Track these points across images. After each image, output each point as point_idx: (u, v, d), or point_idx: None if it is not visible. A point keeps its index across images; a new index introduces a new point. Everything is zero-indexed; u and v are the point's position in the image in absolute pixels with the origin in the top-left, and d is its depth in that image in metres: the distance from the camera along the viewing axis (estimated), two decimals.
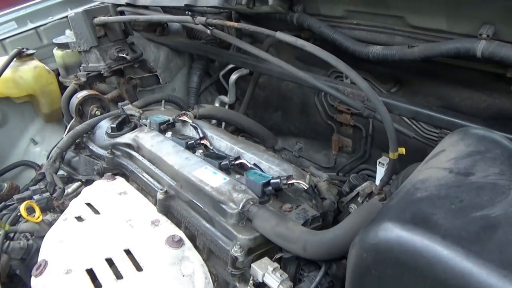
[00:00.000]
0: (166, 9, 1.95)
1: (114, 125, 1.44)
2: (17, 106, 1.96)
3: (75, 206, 1.23)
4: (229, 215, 1.01)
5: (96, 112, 1.69)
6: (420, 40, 1.25)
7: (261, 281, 0.94)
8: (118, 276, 0.97)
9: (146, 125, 1.45)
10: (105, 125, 1.51)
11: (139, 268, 0.99)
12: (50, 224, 1.22)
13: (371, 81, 1.54)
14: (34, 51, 1.95)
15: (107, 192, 1.26)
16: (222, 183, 1.08)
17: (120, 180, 1.33)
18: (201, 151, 1.32)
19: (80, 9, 1.87)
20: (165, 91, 2.16)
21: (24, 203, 1.21)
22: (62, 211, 1.25)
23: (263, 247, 0.99)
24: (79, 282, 0.97)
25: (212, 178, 1.11)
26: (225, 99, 2.18)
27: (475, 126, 1.07)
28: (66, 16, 1.98)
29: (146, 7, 1.83)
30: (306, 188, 1.11)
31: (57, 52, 1.98)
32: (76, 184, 1.45)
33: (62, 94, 1.85)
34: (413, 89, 1.49)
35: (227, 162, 1.22)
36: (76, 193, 1.39)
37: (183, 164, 1.19)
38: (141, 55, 1.95)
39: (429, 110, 1.23)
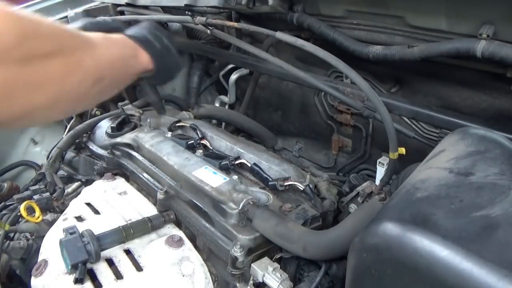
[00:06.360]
0: (166, 9, 1.95)
1: (114, 125, 1.45)
2: None
3: (75, 206, 1.23)
4: (229, 215, 1.01)
5: (96, 112, 1.68)
6: (420, 40, 1.24)
7: (261, 281, 0.94)
8: (118, 276, 0.97)
9: (146, 125, 1.45)
10: (105, 125, 1.51)
11: (139, 268, 0.99)
12: (50, 224, 1.22)
13: (371, 81, 1.54)
14: None
15: (107, 192, 1.26)
16: (222, 183, 1.09)
17: (120, 180, 1.33)
18: (201, 151, 1.33)
19: (80, 9, 1.87)
20: (165, 91, 2.16)
21: (24, 203, 1.21)
22: (62, 211, 1.25)
23: (263, 247, 0.99)
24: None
25: (212, 178, 1.11)
26: (225, 99, 2.18)
27: (475, 126, 1.07)
28: (66, 16, 1.98)
29: (146, 7, 1.83)
30: (302, 188, 1.11)
31: None
32: (76, 184, 1.45)
33: None
34: (413, 89, 1.49)
35: (227, 162, 1.22)
36: (76, 193, 1.38)
37: (183, 164, 1.19)
38: None
39: (429, 110, 1.23)
